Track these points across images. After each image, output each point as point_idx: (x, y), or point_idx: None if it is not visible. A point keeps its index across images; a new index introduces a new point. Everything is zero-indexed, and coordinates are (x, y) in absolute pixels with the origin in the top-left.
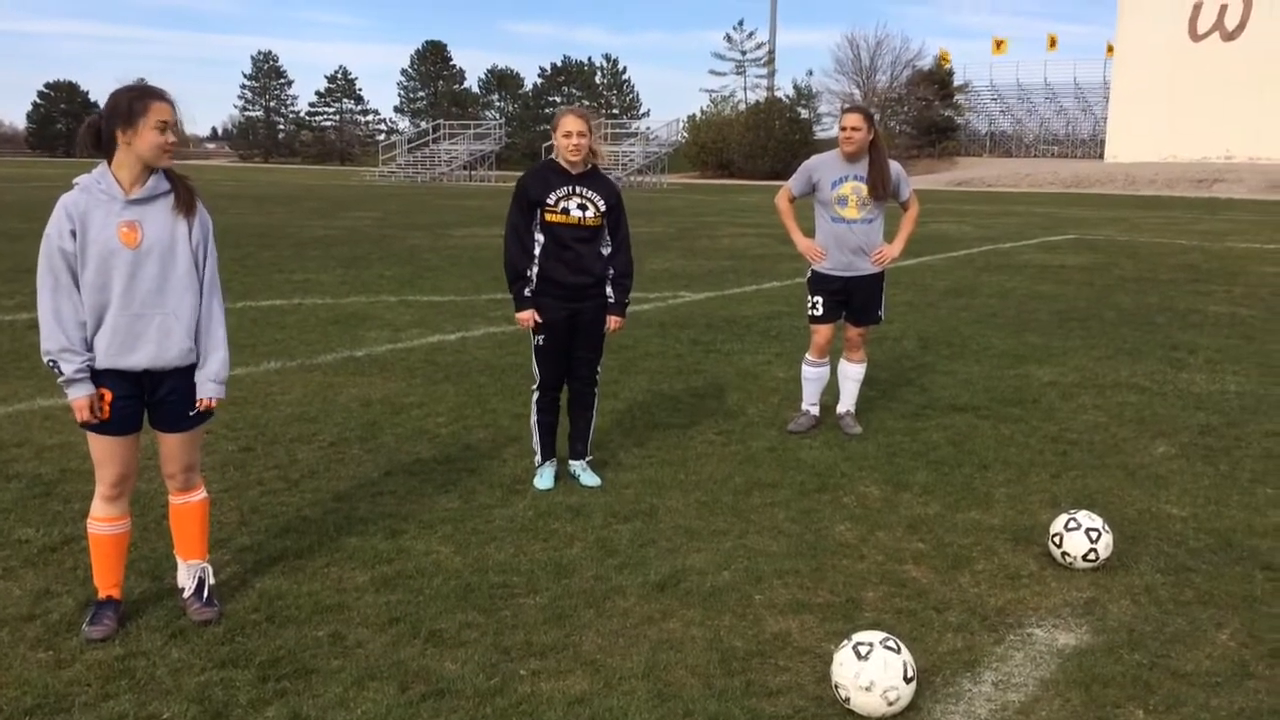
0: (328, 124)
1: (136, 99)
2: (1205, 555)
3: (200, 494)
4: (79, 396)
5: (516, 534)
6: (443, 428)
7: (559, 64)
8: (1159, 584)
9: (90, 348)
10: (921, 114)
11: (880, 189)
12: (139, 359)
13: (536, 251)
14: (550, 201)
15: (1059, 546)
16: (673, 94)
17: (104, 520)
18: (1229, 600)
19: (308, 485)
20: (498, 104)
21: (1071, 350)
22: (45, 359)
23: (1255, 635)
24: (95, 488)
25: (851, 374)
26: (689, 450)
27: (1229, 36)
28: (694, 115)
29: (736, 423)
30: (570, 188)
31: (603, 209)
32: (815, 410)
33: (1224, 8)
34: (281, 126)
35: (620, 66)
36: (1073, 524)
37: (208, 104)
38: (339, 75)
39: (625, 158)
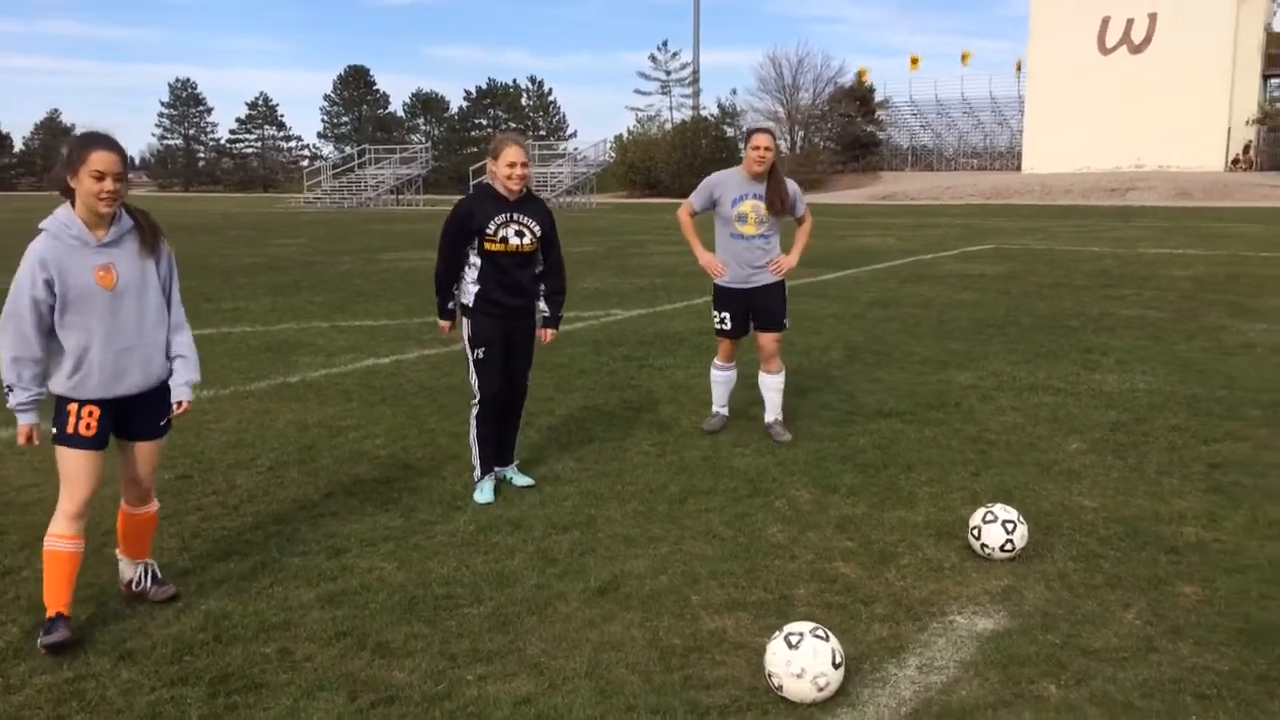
0: (249, 151)
1: (77, 147)
2: (1114, 542)
3: (155, 505)
4: (24, 425)
5: (459, 548)
6: (381, 449)
7: (484, 87)
8: (1071, 570)
9: (43, 382)
10: (844, 130)
11: (779, 206)
12: (128, 387)
13: (473, 275)
14: (490, 230)
15: (978, 539)
16: (599, 114)
17: (66, 538)
18: (1135, 583)
19: (248, 509)
20: (423, 128)
21: (990, 355)
22: (5, 384)
23: (1159, 614)
24: (60, 506)
25: (772, 384)
26: (625, 462)
27: (1136, 49)
28: (621, 135)
29: (670, 434)
30: (508, 215)
31: (539, 234)
32: (724, 411)
33: (1130, 21)
34: (202, 154)
35: (546, 88)
36: (990, 517)
37: (125, 134)
38: (260, 101)
39: (554, 179)
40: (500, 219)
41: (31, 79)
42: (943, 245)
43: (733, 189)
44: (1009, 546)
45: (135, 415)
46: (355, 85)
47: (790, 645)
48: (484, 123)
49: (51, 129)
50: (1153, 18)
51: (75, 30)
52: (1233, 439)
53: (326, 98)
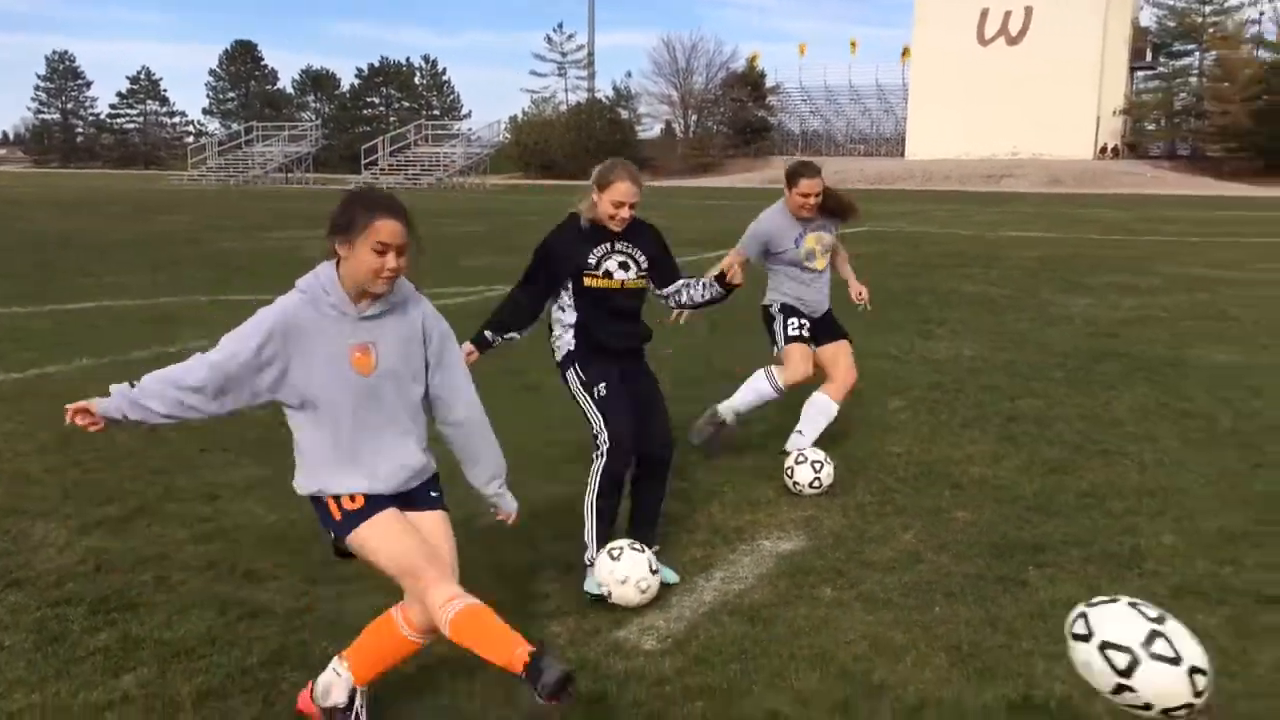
0: (131, 126)
1: (360, 211)
2: (910, 480)
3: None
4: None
5: None
6: (260, 410)
7: (376, 65)
8: (867, 503)
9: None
10: (737, 115)
11: (842, 217)
12: (387, 486)
13: (569, 322)
14: (591, 263)
15: (791, 477)
16: (494, 95)
17: (417, 631)
18: (919, 511)
19: (127, 464)
20: (313, 105)
21: None
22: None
23: (932, 534)
24: (414, 594)
25: (827, 410)
26: (492, 418)
27: (1013, 41)
28: (516, 116)
29: (537, 395)
30: (610, 245)
31: (645, 265)
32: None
33: (1008, 14)
34: (80, 129)
35: (440, 67)
36: (801, 458)
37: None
38: (142, 76)
39: (446, 159)
40: (601, 250)
41: None
42: None
43: (789, 230)
44: (816, 484)
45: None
46: (242, 61)
47: (613, 558)
48: (376, 101)
49: None
50: (1028, 11)
51: None
52: (1032, 396)
53: (212, 73)
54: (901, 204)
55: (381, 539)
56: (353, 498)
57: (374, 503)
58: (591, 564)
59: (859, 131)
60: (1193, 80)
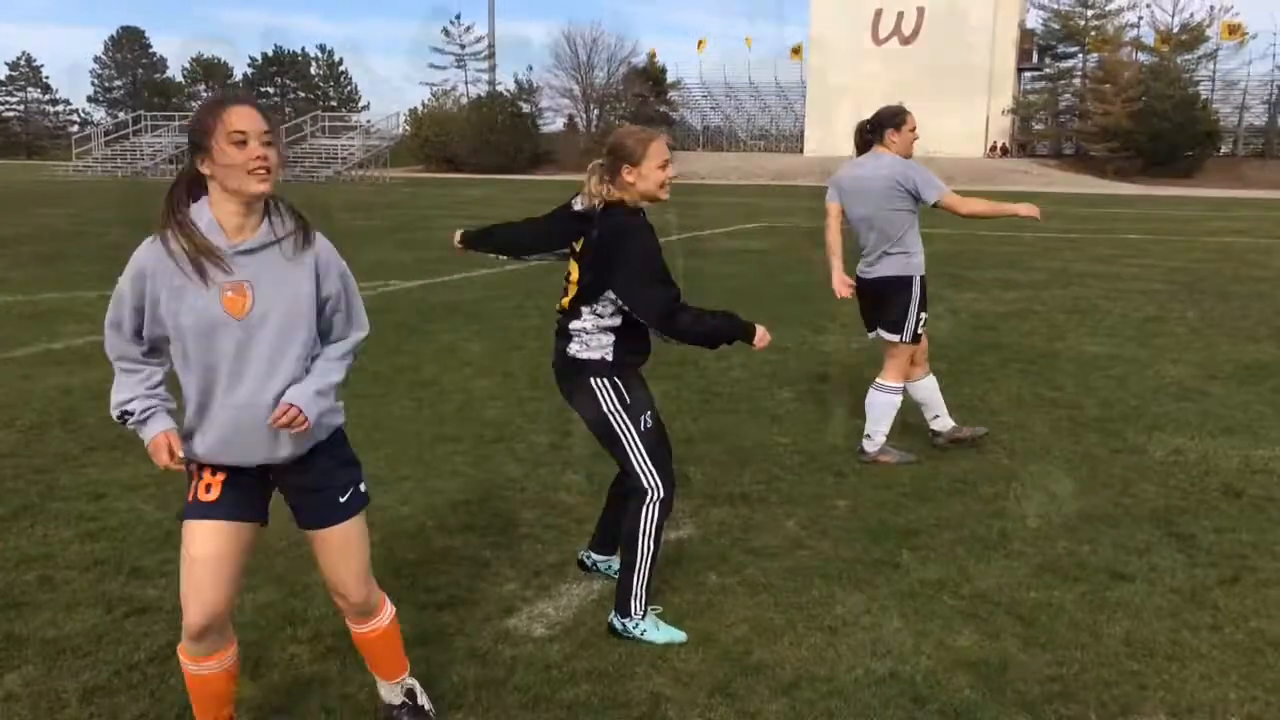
0: (10, 115)
1: (205, 112)
2: (795, 469)
3: (387, 615)
4: (156, 433)
5: None
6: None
7: (271, 54)
8: (754, 491)
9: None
10: (639, 110)
11: None
12: (255, 456)
13: (613, 322)
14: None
15: None
16: (394, 86)
17: (192, 660)
18: (802, 499)
19: (7, 464)
20: (205, 94)
21: None
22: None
23: (814, 520)
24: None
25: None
26: (383, 414)
27: (906, 41)
28: (416, 109)
29: (430, 391)
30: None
31: None
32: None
33: (901, 14)
34: None
35: (337, 58)
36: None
37: None
38: (22, 61)
39: (345, 151)
40: None
41: None
42: (719, 222)
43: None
44: None
45: (299, 491)
46: (129, 47)
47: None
48: (270, 91)
49: None
50: (920, 12)
51: None
52: None
53: (97, 60)
54: (799, 199)
55: (185, 543)
56: (209, 486)
57: (222, 501)
58: (647, 615)
59: (759, 128)
60: (1076, 82)
